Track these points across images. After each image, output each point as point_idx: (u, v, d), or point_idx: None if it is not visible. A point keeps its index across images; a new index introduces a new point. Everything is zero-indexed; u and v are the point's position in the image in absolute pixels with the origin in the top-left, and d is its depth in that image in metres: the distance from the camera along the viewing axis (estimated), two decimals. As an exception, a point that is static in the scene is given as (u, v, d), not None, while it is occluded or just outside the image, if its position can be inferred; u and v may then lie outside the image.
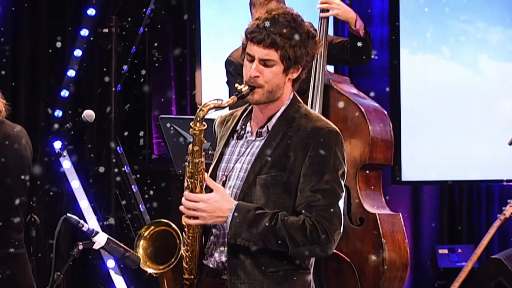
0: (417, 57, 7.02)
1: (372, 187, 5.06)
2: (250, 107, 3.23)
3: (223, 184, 3.14)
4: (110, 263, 6.07)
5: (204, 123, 3.09)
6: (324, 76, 4.98)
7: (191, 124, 3.09)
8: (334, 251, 4.78)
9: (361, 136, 4.96)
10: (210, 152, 3.22)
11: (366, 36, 5.03)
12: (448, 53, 7.04)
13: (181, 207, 3.09)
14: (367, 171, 5.02)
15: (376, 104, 5.19)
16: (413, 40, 7.00)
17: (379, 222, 4.88)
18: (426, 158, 6.88)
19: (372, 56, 5.16)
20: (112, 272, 6.09)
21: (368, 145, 4.96)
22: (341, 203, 3.07)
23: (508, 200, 5.64)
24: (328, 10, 5.00)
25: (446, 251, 7.08)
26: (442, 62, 7.01)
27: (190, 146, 3.10)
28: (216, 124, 3.33)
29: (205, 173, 3.10)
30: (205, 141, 3.11)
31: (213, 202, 3.04)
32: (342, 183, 3.08)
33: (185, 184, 3.11)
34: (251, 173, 3.09)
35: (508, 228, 7.02)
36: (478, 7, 7.06)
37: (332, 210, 3.03)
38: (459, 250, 7.05)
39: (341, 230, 3.06)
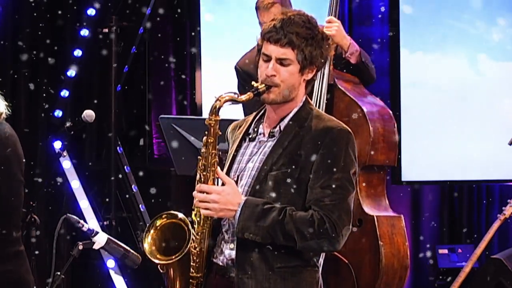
0: (417, 57, 7.02)
1: (374, 189, 5.05)
2: (262, 112, 3.27)
3: (235, 184, 3.16)
4: (110, 263, 6.08)
5: (219, 114, 3.11)
6: (329, 75, 5.00)
7: (208, 115, 3.12)
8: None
9: (362, 136, 4.96)
10: (221, 155, 3.24)
11: (359, 64, 5.07)
12: (448, 53, 7.03)
13: (195, 201, 3.11)
14: (369, 172, 5.02)
15: (382, 104, 5.18)
16: (413, 39, 7.00)
17: (376, 225, 4.88)
18: (426, 158, 6.87)
19: (371, 82, 5.22)
20: (112, 272, 6.09)
21: (369, 146, 4.95)
22: (351, 201, 3.09)
23: (508, 200, 5.64)
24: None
25: (446, 251, 7.07)
26: (442, 62, 7.00)
27: (205, 138, 3.12)
28: (228, 131, 3.37)
29: (218, 167, 3.13)
30: (220, 133, 3.14)
31: (226, 194, 3.07)
32: (354, 181, 3.10)
33: (197, 177, 3.13)
34: (262, 170, 3.13)
35: (508, 228, 7.01)
36: (478, 7, 7.06)
37: (341, 205, 3.06)
38: (459, 250, 7.04)
39: (350, 227, 3.09)
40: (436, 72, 7.01)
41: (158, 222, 3.27)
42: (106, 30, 6.51)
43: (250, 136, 3.24)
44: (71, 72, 6.37)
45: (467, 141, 6.94)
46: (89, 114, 4.79)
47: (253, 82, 3.14)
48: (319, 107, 4.96)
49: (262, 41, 3.15)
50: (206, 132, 3.13)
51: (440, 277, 7.01)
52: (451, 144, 6.93)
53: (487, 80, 7.02)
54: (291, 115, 3.18)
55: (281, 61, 3.11)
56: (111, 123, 6.42)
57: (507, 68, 7.03)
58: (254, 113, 3.30)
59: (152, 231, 3.27)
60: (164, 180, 6.65)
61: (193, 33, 6.96)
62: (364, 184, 5.00)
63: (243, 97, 3.11)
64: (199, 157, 3.13)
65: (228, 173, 3.22)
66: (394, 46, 6.95)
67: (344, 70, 5.17)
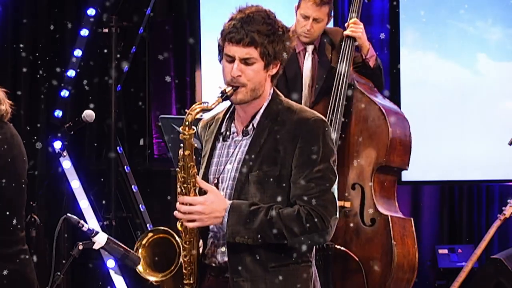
0: (417, 57, 7.02)
1: (387, 190, 5.07)
2: (232, 108, 3.24)
3: (216, 187, 3.14)
4: (110, 263, 6.08)
5: (193, 127, 3.09)
6: (348, 75, 5.02)
7: (180, 129, 3.09)
8: (343, 249, 4.86)
9: (380, 137, 4.97)
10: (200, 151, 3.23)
11: (375, 69, 5.12)
12: (448, 53, 7.04)
13: (175, 213, 3.09)
14: (383, 173, 5.03)
15: (396, 108, 5.21)
16: (413, 40, 7.00)
17: (390, 224, 4.89)
18: (426, 158, 6.88)
19: (381, 88, 5.25)
20: (112, 272, 6.09)
21: (386, 147, 4.96)
22: (334, 190, 3.08)
23: (508, 200, 5.64)
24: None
25: (446, 251, 7.07)
26: (442, 62, 7.01)
27: (181, 151, 3.09)
28: (199, 129, 3.33)
29: (197, 176, 3.10)
30: (196, 145, 3.11)
31: (210, 203, 3.04)
32: (335, 169, 3.09)
33: (178, 190, 3.11)
34: (242, 171, 3.10)
35: (508, 228, 7.01)
36: (478, 7, 7.06)
37: (325, 196, 3.05)
38: (459, 250, 7.04)
39: (337, 216, 3.08)
40: (436, 72, 7.01)
41: (145, 240, 3.23)
42: (106, 30, 6.50)
43: (224, 136, 3.22)
44: (71, 72, 6.37)
45: (467, 141, 6.95)
46: (89, 114, 4.79)
47: (220, 86, 3.12)
48: (337, 107, 4.97)
49: (223, 41, 3.14)
50: (182, 145, 3.10)
51: (440, 277, 7.01)
52: (451, 144, 6.93)
53: (487, 80, 7.02)
54: (261, 111, 3.16)
55: (245, 61, 3.09)
56: (111, 123, 6.42)
57: (507, 68, 7.03)
58: (224, 110, 3.27)
59: (140, 250, 3.23)
60: (164, 180, 6.65)
61: (193, 33, 6.97)
62: (378, 185, 5.01)
63: (213, 105, 3.09)
64: (177, 169, 3.10)
65: (206, 176, 3.19)
66: (394, 46, 6.96)
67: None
